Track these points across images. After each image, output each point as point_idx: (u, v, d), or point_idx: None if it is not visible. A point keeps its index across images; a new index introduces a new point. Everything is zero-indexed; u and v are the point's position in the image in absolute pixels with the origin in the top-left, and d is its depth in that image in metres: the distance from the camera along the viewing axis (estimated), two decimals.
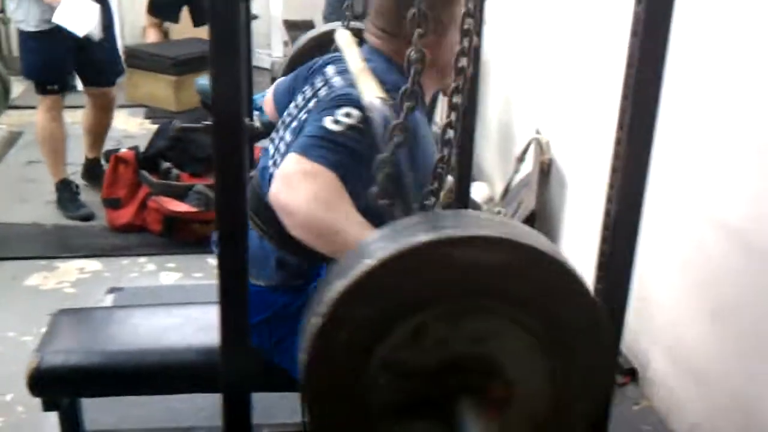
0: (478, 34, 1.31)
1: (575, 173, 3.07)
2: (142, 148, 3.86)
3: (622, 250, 1.32)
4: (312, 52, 2.16)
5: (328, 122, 1.44)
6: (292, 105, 1.74)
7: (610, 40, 2.66)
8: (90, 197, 3.98)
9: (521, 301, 1.04)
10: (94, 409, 2.23)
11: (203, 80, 3.95)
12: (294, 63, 2.20)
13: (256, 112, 4.45)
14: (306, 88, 1.72)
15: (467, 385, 1.06)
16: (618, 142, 1.29)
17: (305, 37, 2.35)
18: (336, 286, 1.00)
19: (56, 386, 1.86)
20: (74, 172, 4.26)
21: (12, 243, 3.55)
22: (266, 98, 2.05)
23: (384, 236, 1.05)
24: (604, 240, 1.34)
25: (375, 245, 1.03)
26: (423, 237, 0.99)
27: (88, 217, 3.80)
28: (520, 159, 3.43)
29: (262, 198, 1.63)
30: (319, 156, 1.39)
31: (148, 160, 3.76)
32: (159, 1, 5.99)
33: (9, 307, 3.04)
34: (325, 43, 2.12)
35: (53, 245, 3.55)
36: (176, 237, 3.54)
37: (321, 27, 2.34)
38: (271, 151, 1.72)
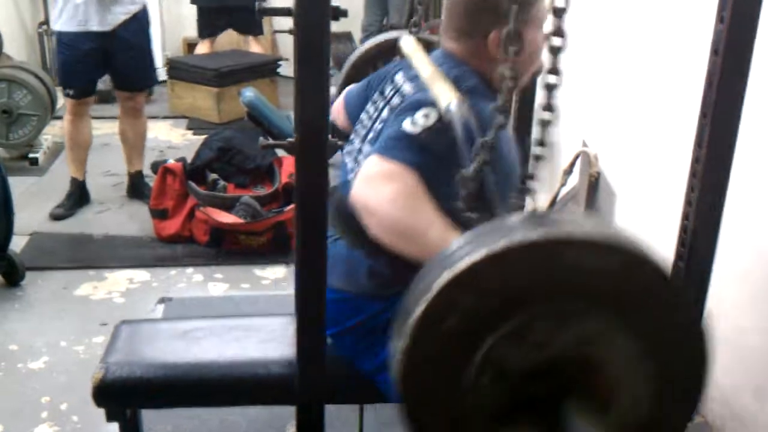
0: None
1: (624, 187, 3.05)
2: (183, 158, 3.89)
3: (700, 268, 1.32)
4: (374, 59, 2.17)
5: (406, 124, 1.45)
6: (363, 115, 1.75)
7: (659, 51, 2.65)
8: (134, 209, 4.06)
9: (627, 305, 1.03)
10: (149, 419, 2.26)
11: (249, 92, 3.98)
12: (355, 70, 2.22)
13: None
14: (376, 97, 1.73)
15: (573, 388, 1.05)
16: (696, 160, 1.29)
17: (366, 45, 2.36)
18: (444, 274, 1.00)
19: (121, 397, 1.88)
20: (118, 183, 4.34)
21: (61, 253, 3.60)
22: (336, 107, 2.04)
23: (492, 230, 1.05)
24: (679, 257, 1.34)
25: (483, 238, 1.03)
26: (535, 233, 0.99)
27: (58, 217, 3.93)
28: (568, 171, 3.41)
29: (347, 210, 1.64)
30: (398, 156, 1.40)
31: (195, 171, 3.80)
32: (203, 25, 6.07)
33: (61, 316, 3.08)
34: (386, 51, 2.13)
35: (102, 255, 3.59)
36: (223, 248, 3.57)
37: (382, 35, 2.35)
38: (350, 164, 1.73)
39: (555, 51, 1.16)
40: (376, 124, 1.64)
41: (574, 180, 3.39)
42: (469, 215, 1.26)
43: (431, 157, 1.41)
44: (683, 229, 1.31)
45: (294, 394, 1.59)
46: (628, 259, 1.01)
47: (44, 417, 2.49)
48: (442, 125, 1.40)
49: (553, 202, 3.53)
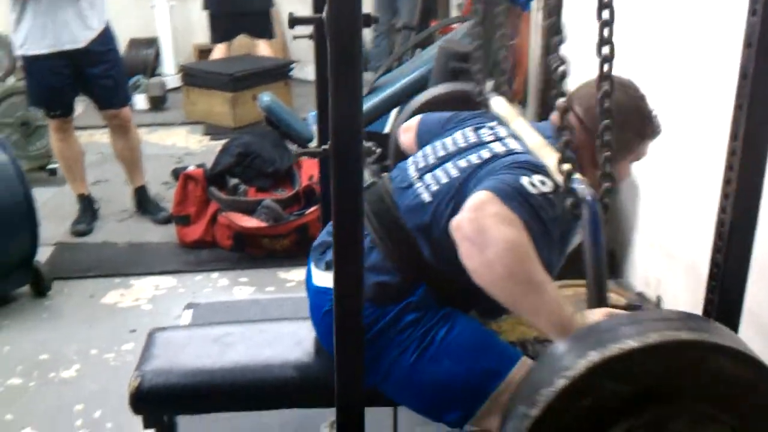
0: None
1: (649, 181, 3.04)
2: (203, 164, 3.92)
3: (737, 261, 1.32)
4: (442, 106, 2.26)
5: (525, 181, 1.51)
6: (447, 140, 1.82)
7: (684, 42, 2.65)
8: (142, 223, 4.08)
9: (753, 417, 1.09)
10: (183, 424, 2.27)
11: (267, 96, 3.99)
12: (421, 110, 2.36)
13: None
14: (468, 132, 1.81)
15: None
16: (732, 152, 1.29)
17: (438, 90, 2.57)
18: (591, 354, 1.07)
19: (158, 404, 1.90)
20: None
21: (86, 262, 3.63)
22: (406, 126, 2.11)
23: (642, 319, 1.14)
24: (717, 250, 1.34)
25: (633, 328, 1.11)
26: (685, 334, 1.08)
27: (81, 233, 3.92)
28: None
29: (394, 215, 1.69)
30: (515, 207, 1.44)
31: (215, 176, 3.82)
32: (216, 30, 6.10)
33: (90, 324, 3.11)
34: (456, 101, 2.33)
35: (127, 263, 3.62)
36: (246, 252, 3.59)
37: (451, 84, 2.56)
38: (414, 177, 1.76)
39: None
40: (470, 156, 1.69)
41: None
42: None
43: (538, 222, 1.47)
44: (720, 223, 1.31)
45: (332, 396, 1.60)
46: (761, 372, 1.08)
47: (79, 425, 2.51)
48: (555, 196, 1.48)
49: None
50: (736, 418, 1.09)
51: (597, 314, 1.38)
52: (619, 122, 1.60)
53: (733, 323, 1.33)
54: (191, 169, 3.81)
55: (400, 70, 4.23)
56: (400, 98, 3.87)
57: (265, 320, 2.24)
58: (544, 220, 1.49)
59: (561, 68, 1.48)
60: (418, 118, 2.10)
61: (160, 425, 1.96)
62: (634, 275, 3.10)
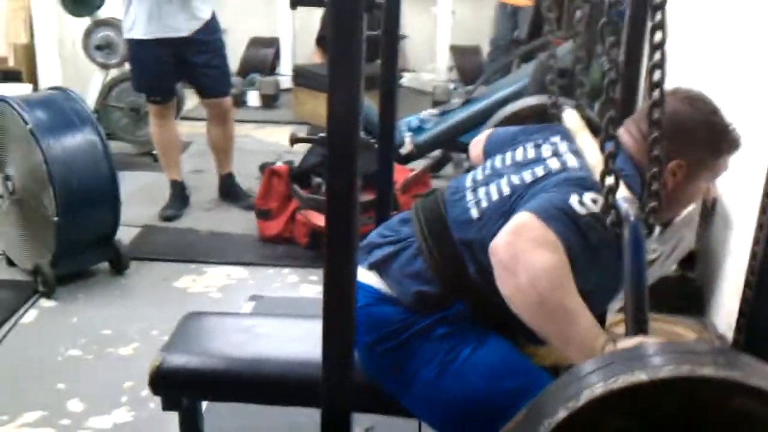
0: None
1: (742, 215, 2.81)
2: (291, 161, 3.94)
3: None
4: (524, 120, 2.28)
5: (573, 200, 1.43)
6: (507, 154, 1.74)
7: None
8: (227, 213, 4.13)
9: None
10: (215, 415, 2.26)
11: (364, 101, 3.97)
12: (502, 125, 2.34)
13: (408, 134, 4.43)
14: (529, 147, 1.72)
15: None
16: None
17: (519, 105, 2.58)
18: (597, 386, 0.99)
19: (175, 387, 1.89)
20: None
21: (167, 246, 3.71)
22: (477, 139, 2.04)
23: (660, 351, 1.04)
24: (748, 285, 1.19)
25: (649, 359, 1.02)
26: (707, 370, 0.97)
27: (167, 218, 3.98)
28: None
29: (443, 227, 1.64)
30: (559, 229, 1.38)
31: (301, 174, 3.83)
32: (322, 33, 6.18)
33: (157, 306, 3.16)
34: (537, 115, 2.27)
35: (205, 250, 3.67)
36: (321, 250, 3.56)
37: (535, 98, 2.48)
38: (468, 190, 1.70)
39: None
40: (525, 173, 1.61)
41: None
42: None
43: (585, 243, 1.40)
44: (752, 256, 1.17)
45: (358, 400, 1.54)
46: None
47: (123, 401, 2.55)
48: (606, 217, 1.39)
49: (665, 227, 3.32)
50: None
51: (629, 344, 1.27)
52: (687, 138, 1.56)
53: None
54: (278, 164, 3.83)
55: (500, 83, 4.12)
56: (494, 110, 3.76)
57: (302, 316, 2.19)
58: (593, 241, 1.40)
59: (612, 73, 1.37)
60: (488, 131, 2.04)
61: (181, 409, 1.95)
62: (719, 315, 2.87)
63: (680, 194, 1.63)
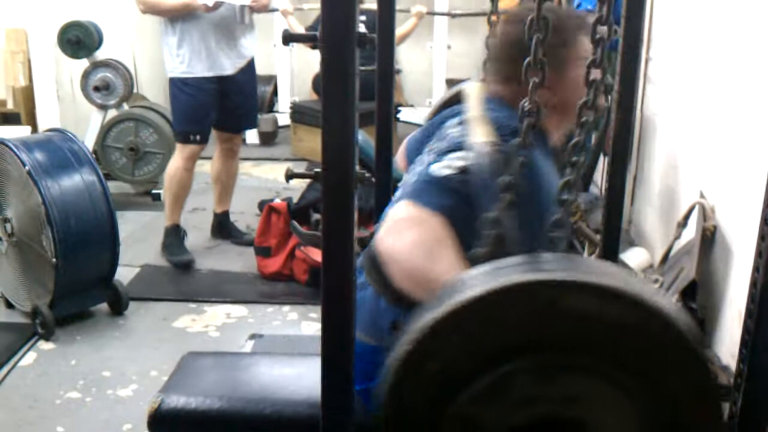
0: (603, 69, 1.20)
1: (743, 243, 2.80)
2: (289, 198, 3.94)
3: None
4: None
5: (437, 168, 1.41)
6: (417, 159, 1.68)
7: None
8: (227, 252, 4.11)
9: (627, 363, 0.90)
10: None
11: (359, 136, 3.98)
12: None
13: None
14: (432, 141, 1.66)
15: None
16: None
17: (447, 94, 2.31)
18: (425, 317, 0.93)
19: (175, 428, 1.86)
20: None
21: (166, 285, 3.70)
22: (399, 153, 2.01)
23: (485, 272, 0.96)
24: (749, 314, 1.18)
25: (475, 279, 0.95)
26: (526, 276, 0.90)
27: (189, 264, 3.88)
28: (682, 224, 3.19)
29: (376, 257, 1.58)
30: (427, 201, 1.34)
31: (300, 211, 3.82)
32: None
33: (156, 346, 3.14)
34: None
35: (204, 289, 3.66)
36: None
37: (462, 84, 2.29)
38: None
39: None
40: (422, 168, 1.56)
41: (689, 233, 3.17)
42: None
43: (462, 201, 1.36)
44: (753, 284, 1.16)
45: None
46: (635, 312, 0.88)
47: None
48: (475, 170, 1.36)
49: (665, 257, 3.31)
50: (614, 366, 0.89)
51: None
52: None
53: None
54: (276, 201, 3.83)
55: None
56: None
57: (302, 355, 2.18)
58: (467, 195, 1.35)
59: None
60: (404, 143, 1.98)
61: None
62: (722, 346, 2.85)
63: (563, 97, 1.53)
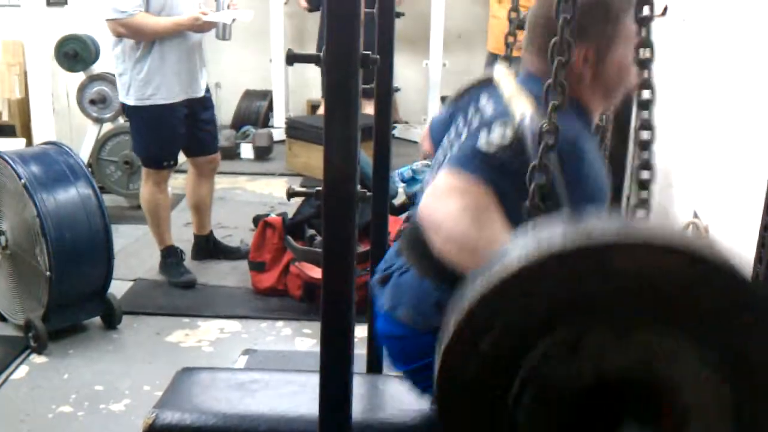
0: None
1: (742, 249, 2.81)
2: (284, 213, 3.94)
3: None
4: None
5: (481, 141, 1.39)
6: (445, 139, 1.69)
7: None
8: (237, 261, 4.10)
9: (706, 321, 0.88)
10: None
11: None
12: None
13: (401, 184, 4.44)
14: (459, 119, 1.67)
15: (632, 411, 0.91)
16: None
17: (469, 81, 2.33)
18: (478, 283, 0.88)
19: None
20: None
21: (160, 300, 3.69)
22: (423, 134, 2.00)
23: (538, 237, 0.92)
24: (759, 260, 1.18)
25: (525, 244, 0.90)
26: (595, 237, 0.86)
27: (191, 284, 3.81)
28: None
29: (419, 236, 1.55)
30: (471, 170, 1.34)
31: (294, 226, 3.82)
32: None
33: (149, 361, 3.13)
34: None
35: (198, 304, 3.65)
36: (315, 303, 3.55)
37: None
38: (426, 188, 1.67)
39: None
40: (455, 147, 1.57)
41: None
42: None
43: (506, 175, 1.34)
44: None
45: None
46: (712, 272, 0.87)
47: None
48: (519, 142, 1.34)
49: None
50: (693, 323, 0.87)
51: None
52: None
53: None
54: (271, 216, 3.84)
55: None
56: None
57: (295, 370, 2.18)
58: (512, 169, 1.32)
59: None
60: (427, 124, 1.99)
61: None
62: None
63: (606, 76, 1.52)
